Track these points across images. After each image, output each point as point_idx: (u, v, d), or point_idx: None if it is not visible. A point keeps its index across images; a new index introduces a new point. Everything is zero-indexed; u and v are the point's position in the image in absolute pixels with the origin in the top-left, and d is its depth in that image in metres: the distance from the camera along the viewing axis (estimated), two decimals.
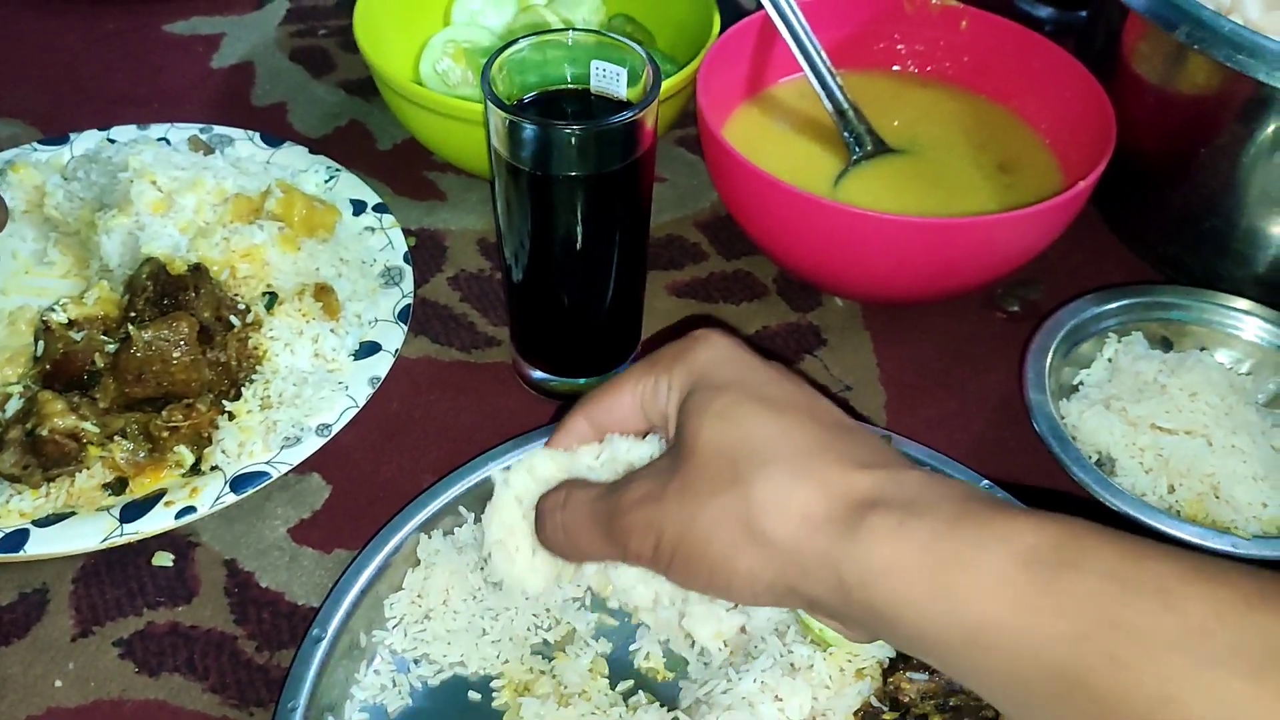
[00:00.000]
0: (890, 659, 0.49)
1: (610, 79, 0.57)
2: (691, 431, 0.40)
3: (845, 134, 0.74)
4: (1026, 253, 0.67)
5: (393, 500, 0.59)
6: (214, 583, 0.58)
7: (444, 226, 0.79)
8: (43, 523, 0.57)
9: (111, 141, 0.79)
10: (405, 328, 0.69)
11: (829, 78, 0.73)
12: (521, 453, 0.59)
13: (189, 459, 0.60)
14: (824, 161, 0.74)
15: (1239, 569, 0.32)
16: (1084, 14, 0.85)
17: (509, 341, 0.68)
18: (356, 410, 0.64)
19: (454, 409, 0.67)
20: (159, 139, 0.79)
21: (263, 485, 0.59)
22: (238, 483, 0.59)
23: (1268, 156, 0.64)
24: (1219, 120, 0.65)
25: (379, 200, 0.77)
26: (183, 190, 0.69)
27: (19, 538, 0.56)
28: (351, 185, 0.78)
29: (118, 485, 0.59)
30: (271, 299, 0.66)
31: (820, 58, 0.72)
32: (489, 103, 0.53)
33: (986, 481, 0.58)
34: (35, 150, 0.79)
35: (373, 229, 0.75)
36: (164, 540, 0.59)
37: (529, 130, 0.53)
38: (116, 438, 0.60)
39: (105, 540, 0.57)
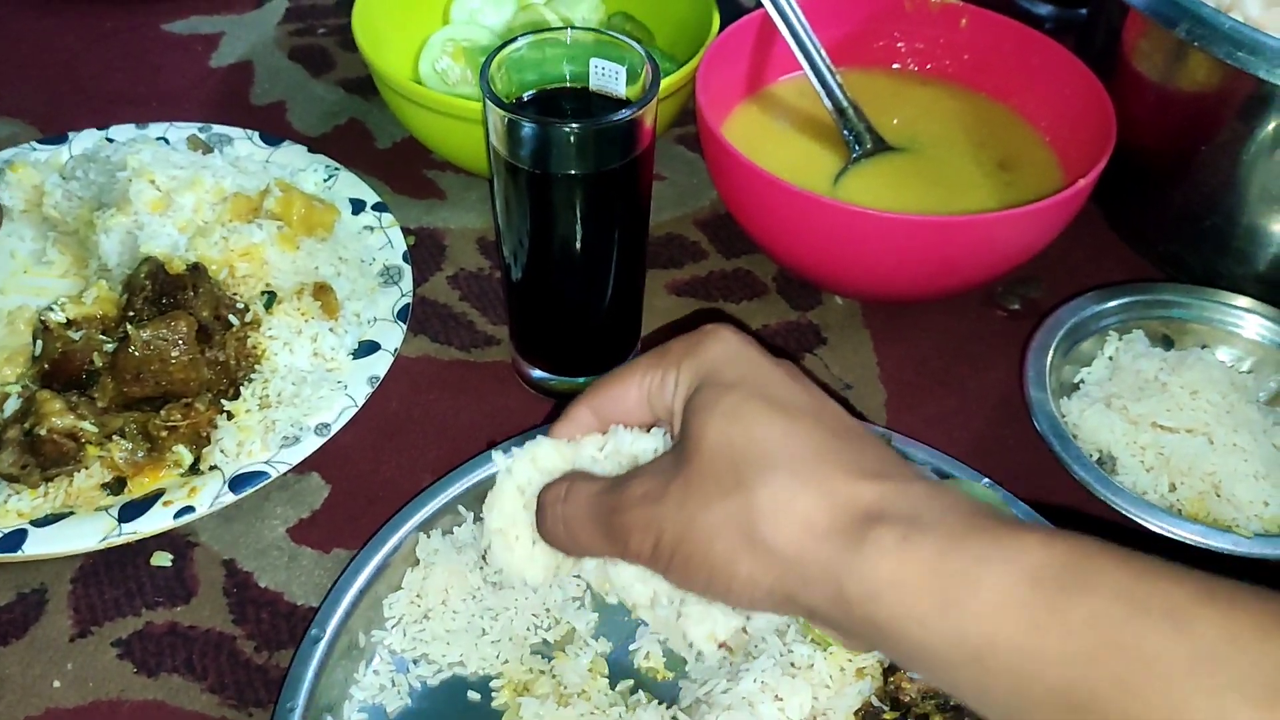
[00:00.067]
0: None
1: (609, 77, 0.56)
2: (696, 430, 0.39)
3: (845, 132, 0.74)
4: (1027, 251, 0.67)
5: (392, 500, 0.59)
6: (213, 583, 0.58)
7: (443, 225, 0.79)
8: (41, 523, 0.57)
9: (110, 141, 0.79)
10: (404, 327, 0.68)
11: (828, 76, 0.73)
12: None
13: (188, 459, 0.60)
14: (824, 160, 0.74)
15: (1251, 591, 0.31)
16: (1084, 11, 0.85)
17: (508, 340, 0.68)
18: (355, 409, 0.63)
19: (453, 408, 0.66)
20: (158, 138, 0.79)
21: (261, 485, 0.59)
22: (236, 482, 0.59)
23: (1268, 154, 0.64)
24: (1219, 118, 0.65)
25: (378, 199, 0.77)
26: (181, 189, 0.69)
27: (17, 538, 0.56)
28: (350, 184, 0.78)
29: (116, 485, 0.59)
30: (270, 298, 0.66)
31: (820, 56, 0.72)
32: (488, 101, 0.53)
33: (987, 480, 0.58)
34: (34, 149, 0.79)
35: (372, 228, 0.75)
36: (163, 540, 0.59)
37: (528, 128, 0.53)
38: (115, 437, 0.60)
39: (104, 540, 0.57)
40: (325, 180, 0.78)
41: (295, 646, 0.52)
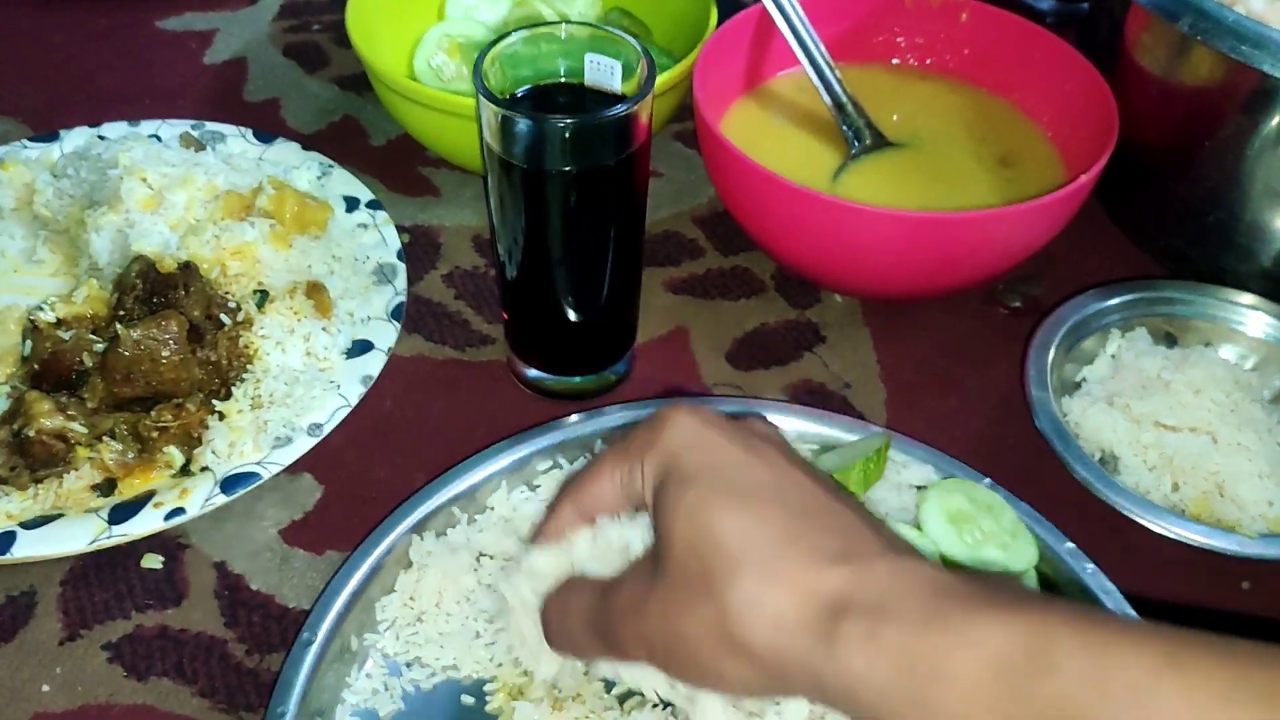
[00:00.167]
0: None
1: (605, 72, 0.56)
2: (665, 533, 0.41)
3: (844, 128, 0.73)
4: (1028, 248, 0.66)
5: (385, 501, 0.58)
6: (204, 585, 0.57)
7: (438, 223, 0.78)
8: (30, 525, 0.57)
9: (102, 138, 0.78)
10: (398, 326, 0.68)
11: (827, 71, 0.72)
12: (516, 455, 0.59)
13: (179, 460, 0.60)
14: (823, 156, 0.73)
15: (1219, 652, 0.32)
16: (1086, 6, 0.84)
17: (504, 339, 0.67)
18: (349, 409, 0.63)
19: (448, 408, 0.66)
20: (150, 135, 0.79)
21: (253, 486, 0.59)
22: (228, 483, 0.58)
23: (1272, 149, 0.63)
24: (1223, 112, 0.65)
25: (372, 197, 0.76)
26: (173, 187, 0.68)
27: (6, 540, 0.56)
28: (344, 181, 0.77)
29: (106, 486, 0.59)
30: (263, 297, 0.65)
31: (819, 51, 0.72)
32: (481, 97, 0.52)
33: (988, 480, 0.57)
34: (25, 147, 0.78)
35: (366, 226, 0.74)
36: (153, 542, 0.58)
37: (522, 124, 0.52)
38: (105, 438, 0.59)
39: (93, 542, 0.56)
40: (318, 178, 0.77)
41: (287, 650, 0.51)
